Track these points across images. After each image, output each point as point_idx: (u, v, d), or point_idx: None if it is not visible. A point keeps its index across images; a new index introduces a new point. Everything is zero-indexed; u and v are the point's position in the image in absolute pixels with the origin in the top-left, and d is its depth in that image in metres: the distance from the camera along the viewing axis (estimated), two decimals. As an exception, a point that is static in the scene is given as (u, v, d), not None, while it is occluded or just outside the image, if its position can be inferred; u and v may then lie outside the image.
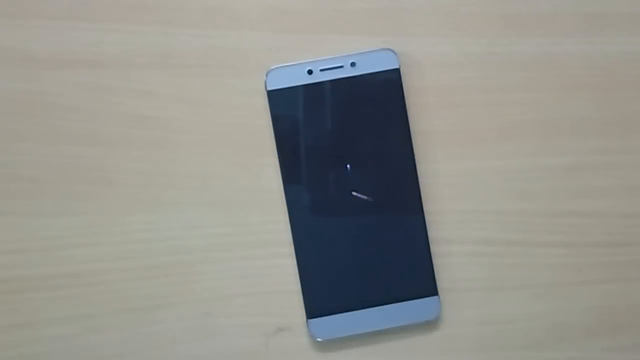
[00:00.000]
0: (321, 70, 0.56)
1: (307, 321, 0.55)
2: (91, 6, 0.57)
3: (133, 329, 0.56)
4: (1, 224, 0.56)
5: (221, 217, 0.56)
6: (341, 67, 0.56)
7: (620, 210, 0.57)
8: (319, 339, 0.55)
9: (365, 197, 0.54)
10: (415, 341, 0.56)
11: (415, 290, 0.55)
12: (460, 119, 0.57)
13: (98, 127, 0.57)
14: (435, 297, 0.55)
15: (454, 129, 0.57)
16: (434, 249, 0.56)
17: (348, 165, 0.55)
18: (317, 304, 0.55)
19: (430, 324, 0.56)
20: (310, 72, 0.56)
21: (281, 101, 0.56)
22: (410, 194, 0.56)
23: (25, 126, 0.56)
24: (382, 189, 0.55)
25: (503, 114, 0.57)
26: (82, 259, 0.56)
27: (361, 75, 0.56)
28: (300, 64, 0.56)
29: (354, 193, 0.54)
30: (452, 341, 0.56)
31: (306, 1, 0.57)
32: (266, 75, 0.56)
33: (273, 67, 0.56)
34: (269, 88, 0.56)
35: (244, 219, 0.56)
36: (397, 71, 0.56)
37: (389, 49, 0.56)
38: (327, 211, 0.55)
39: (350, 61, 0.56)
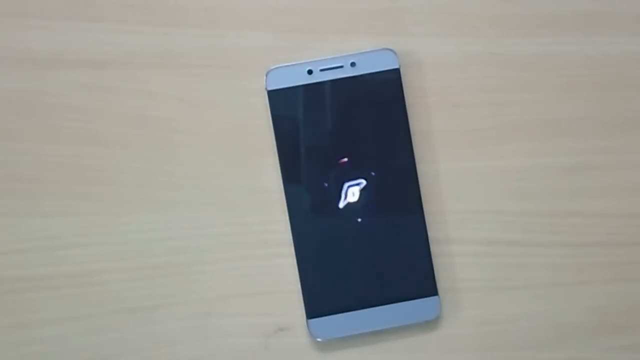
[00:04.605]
0: (321, 70, 0.56)
1: (307, 321, 0.55)
2: (91, 6, 0.57)
3: (132, 329, 0.56)
4: (1, 224, 0.56)
5: (221, 217, 0.56)
6: (341, 67, 0.56)
7: (620, 210, 0.57)
8: (319, 339, 0.55)
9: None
10: (415, 341, 0.56)
11: (415, 290, 0.55)
12: (460, 119, 0.57)
13: (98, 127, 0.57)
14: (435, 297, 0.55)
15: (454, 129, 0.57)
16: (434, 249, 0.56)
17: (348, 165, 0.55)
18: (317, 304, 0.55)
19: (430, 324, 0.56)
20: (310, 72, 0.56)
21: (281, 101, 0.56)
22: (410, 194, 0.55)
23: (25, 126, 0.56)
24: (382, 188, 0.55)
25: (503, 114, 0.57)
26: (81, 259, 0.56)
27: (361, 75, 0.56)
28: (300, 64, 0.56)
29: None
30: (452, 341, 0.56)
31: (306, 1, 0.57)
32: (266, 75, 0.56)
33: (273, 67, 0.56)
34: (269, 88, 0.56)
35: (243, 219, 0.56)
36: (397, 71, 0.56)
37: (389, 49, 0.56)
38: (327, 211, 0.55)
39: (350, 61, 0.56)
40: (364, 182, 0.55)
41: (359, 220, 0.55)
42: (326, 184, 0.55)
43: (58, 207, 0.56)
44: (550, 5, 0.58)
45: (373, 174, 0.55)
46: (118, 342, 0.56)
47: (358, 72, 0.56)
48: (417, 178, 0.56)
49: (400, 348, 0.56)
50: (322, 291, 0.55)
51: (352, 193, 0.55)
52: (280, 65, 0.56)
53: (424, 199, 0.56)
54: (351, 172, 0.55)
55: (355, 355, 0.56)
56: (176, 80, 0.57)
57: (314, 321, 0.55)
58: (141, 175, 0.56)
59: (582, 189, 0.57)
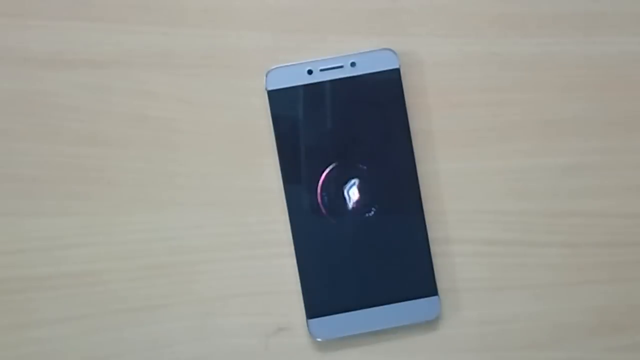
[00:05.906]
0: (321, 70, 0.56)
1: (307, 321, 0.55)
2: (91, 6, 0.57)
3: (132, 329, 0.56)
4: (1, 224, 0.56)
5: (221, 217, 0.56)
6: (341, 67, 0.56)
7: (621, 210, 0.57)
8: (319, 339, 0.55)
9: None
10: (415, 341, 0.56)
11: (415, 290, 0.55)
12: (460, 119, 0.57)
13: (98, 127, 0.57)
14: (435, 297, 0.55)
15: (454, 129, 0.57)
16: (434, 249, 0.56)
17: (348, 165, 0.55)
18: (317, 304, 0.55)
19: (430, 324, 0.56)
20: (310, 72, 0.56)
21: (281, 101, 0.56)
22: (410, 194, 0.55)
23: (25, 126, 0.56)
24: (382, 189, 0.55)
25: (503, 114, 0.57)
26: (81, 259, 0.56)
27: (361, 75, 0.56)
28: (300, 64, 0.56)
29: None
30: (452, 341, 0.56)
31: (306, 1, 0.57)
32: (266, 75, 0.56)
33: (273, 67, 0.56)
34: (269, 88, 0.56)
35: (243, 219, 0.56)
36: (397, 71, 0.56)
37: (389, 49, 0.56)
38: (326, 211, 0.55)
39: (350, 61, 0.56)
40: (364, 182, 0.55)
41: (359, 220, 0.55)
42: (326, 184, 0.55)
43: (58, 207, 0.56)
44: (550, 5, 0.58)
45: (373, 173, 0.55)
46: (118, 342, 0.56)
47: (358, 72, 0.56)
48: (417, 178, 0.56)
49: (400, 348, 0.56)
50: (322, 291, 0.55)
51: (351, 193, 0.55)
52: (280, 65, 0.56)
53: (424, 199, 0.56)
54: (351, 172, 0.55)
55: (355, 355, 0.56)
56: (176, 80, 0.57)
57: (314, 321, 0.55)
58: (141, 175, 0.56)
59: (582, 189, 0.57)
